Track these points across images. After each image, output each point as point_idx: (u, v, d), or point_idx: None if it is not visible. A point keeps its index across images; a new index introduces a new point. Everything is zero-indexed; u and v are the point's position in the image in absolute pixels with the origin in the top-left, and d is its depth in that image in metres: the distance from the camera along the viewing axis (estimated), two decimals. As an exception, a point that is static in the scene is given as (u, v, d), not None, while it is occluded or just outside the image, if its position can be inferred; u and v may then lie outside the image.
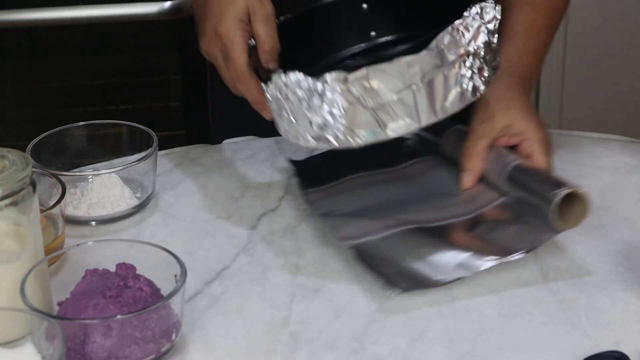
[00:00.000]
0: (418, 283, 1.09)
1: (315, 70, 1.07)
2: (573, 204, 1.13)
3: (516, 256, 1.11)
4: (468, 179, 1.23)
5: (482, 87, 1.12)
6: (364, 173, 1.27)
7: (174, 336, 1.01)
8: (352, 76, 1.06)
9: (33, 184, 1.03)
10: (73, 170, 1.29)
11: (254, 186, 1.30)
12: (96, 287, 1.01)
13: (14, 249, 1.03)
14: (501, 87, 1.25)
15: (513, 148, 1.23)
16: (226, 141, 1.42)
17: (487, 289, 1.10)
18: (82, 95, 2.45)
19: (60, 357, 0.92)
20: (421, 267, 1.11)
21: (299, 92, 1.08)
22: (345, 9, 1.26)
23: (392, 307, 1.08)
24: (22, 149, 1.11)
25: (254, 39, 1.17)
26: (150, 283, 1.03)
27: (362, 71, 1.05)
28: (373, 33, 1.27)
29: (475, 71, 1.11)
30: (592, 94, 2.56)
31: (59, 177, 1.19)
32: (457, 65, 1.09)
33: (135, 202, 1.25)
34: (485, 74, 1.12)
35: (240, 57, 1.15)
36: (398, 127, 1.09)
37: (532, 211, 1.16)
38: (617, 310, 1.07)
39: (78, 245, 1.10)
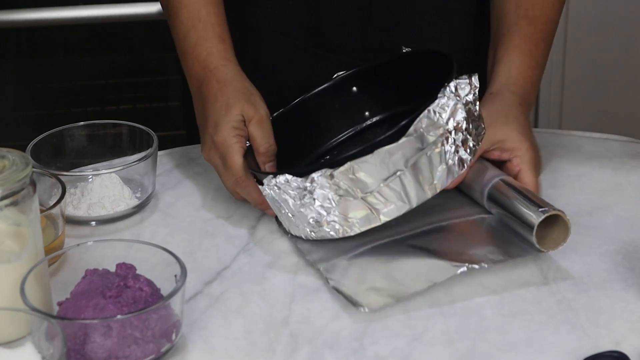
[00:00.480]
0: (390, 296, 1.08)
1: (304, 170, 1.11)
2: (554, 228, 1.14)
3: (484, 265, 1.10)
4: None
5: (468, 158, 1.14)
6: None
7: (174, 336, 1.01)
8: (337, 171, 1.09)
9: (33, 184, 1.03)
10: (73, 170, 1.29)
11: (254, 186, 1.30)
12: (96, 287, 1.01)
13: (14, 249, 1.03)
14: (501, 102, 1.26)
15: (502, 164, 1.24)
16: (226, 141, 1.42)
17: (487, 289, 1.10)
18: (82, 95, 2.46)
19: (60, 357, 0.92)
20: (392, 280, 1.10)
21: (291, 192, 1.12)
22: (336, 94, 1.30)
23: (392, 307, 1.08)
24: (22, 149, 1.11)
25: (250, 143, 1.21)
26: (150, 283, 1.03)
27: (346, 165, 1.09)
28: (367, 113, 1.30)
29: (460, 144, 1.13)
30: (592, 94, 2.56)
31: (59, 177, 1.19)
32: (439, 144, 1.11)
33: (135, 202, 1.25)
34: (470, 144, 1.14)
35: (236, 162, 1.20)
36: (390, 211, 1.12)
37: (509, 229, 1.16)
38: (617, 310, 1.07)
39: (78, 245, 1.10)
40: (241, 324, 1.06)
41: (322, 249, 1.15)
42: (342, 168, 1.09)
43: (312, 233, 1.14)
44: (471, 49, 1.46)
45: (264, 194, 1.15)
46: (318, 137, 1.30)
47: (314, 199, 1.11)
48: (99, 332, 0.97)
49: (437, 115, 1.11)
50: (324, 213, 1.12)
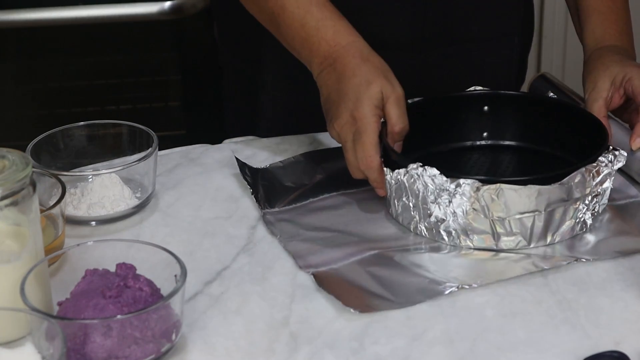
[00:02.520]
0: (379, 306, 1.08)
1: (452, 173, 1.14)
2: None
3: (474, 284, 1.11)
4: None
5: (589, 222, 1.19)
6: (327, 195, 1.27)
7: (174, 336, 1.01)
8: (485, 187, 1.12)
9: (33, 184, 1.03)
10: (73, 170, 1.29)
11: (254, 186, 1.30)
12: (96, 287, 1.01)
13: (14, 249, 1.03)
14: (594, 61, 1.33)
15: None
16: (226, 141, 1.42)
17: (487, 289, 1.10)
18: (82, 95, 2.45)
19: (60, 357, 0.92)
20: (381, 292, 1.10)
21: (431, 186, 1.14)
22: (467, 105, 1.33)
23: (392, 307, 1.08)
24: (22, 149, 1.11)
25: (386, 120, 1.21)
26: (150, 283, 1.03)
27: (495, 186, 1.12)
28: (485, 134, 1.34)
29: (591, 209, 1.18)
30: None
31: (59, 177, 1.19)
32: (578, 202, 1.16)
33: (135, 202, 1.25)
34: (595, 211, 1.19)
35: (371, 141, 1.19)
36: (509, 242, 1.15)
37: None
38: (617, 310, 1.07)
39: (78, 245, 1.10)
40: (241, 324, 1.06)
41: (311, 257, 1.15)
42: (491, 186, 1.12)
43: (425, 229, 1.16)
44: (518, 35, 1.49)
45: (393, 176, 1.17)
46: (435, 136, 1.32)
47: (450, 202, 1.14)
48: (99, 332, 0.97)
49: (591, 176, 1.15)
50: (450, 217, 1.15)
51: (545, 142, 1.30)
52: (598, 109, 1.27)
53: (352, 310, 1.06)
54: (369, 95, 1.21)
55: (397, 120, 1.21)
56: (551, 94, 1.43)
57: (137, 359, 0.99)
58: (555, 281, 1.12)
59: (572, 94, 1.40)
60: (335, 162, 1.30)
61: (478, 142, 1.33)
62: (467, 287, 1.10)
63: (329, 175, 1.29)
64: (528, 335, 1.04)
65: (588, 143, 1.22)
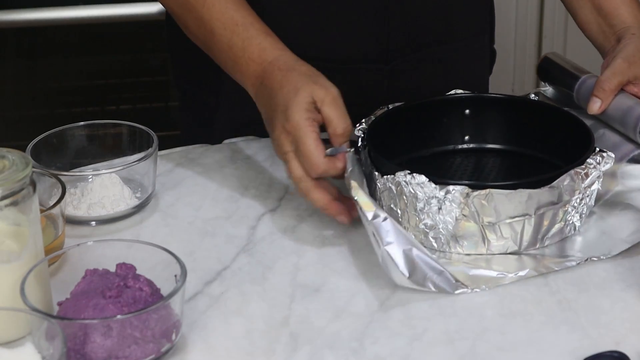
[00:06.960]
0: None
1: (440, 180, 1.13)
2: None
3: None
4: (597, 105, 1.31)
5: (578, 224, 1.18)
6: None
7: (174, 336, 1.02)
8: (475, 193, 1.11)
9: (33, 184, 1.03)
10: (73, 170, 1.29)
11: (254, 186, 1.30)
12: (96, 287, 1.01)
13: (14, 249, 1.03)
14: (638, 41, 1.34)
15: None
16: (226, 141, 1.42)
17: (487, 289, 1.10)
18: (82, 95, 2.46)
19: (60, 357, 0.92)
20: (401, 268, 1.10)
21: (420, 193, 1.13)
22: (449, 109, 1.32)
23: (392, 307, 1.08)
24: (22, 149, 1.11)
25: (326, 125, 1.17)
26: (150, 283, 1.03)
27: (485, 191, 1.11)
28: (467, 137, 1.33)
29: (578, 210, 1.17)
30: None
31: (59, 177, 1.19)
32: (567, 205, 1.15)
33: (135, 202, 1.25)
34: (584, 213, 1.18)
35: (311, 148, 1.14)
36: (499, 246, 1.15)
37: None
38: (617, 310, 1.07)
39: (78, 245, 1.10)
40: (241, 324, 1.06)
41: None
42: (481, 191, 1.11)
43: (412, 235, 1.14)
44: (488, 33, 1.48)
45: (381, 184, 1.16)
46: (417, 142, 1.30)
47: (439, 208, 1.13)
48: (99, 332, 0.97)
49: (580, 179, 1.15)
50: (440, 224, 1.13)
51: (527, 144, 1.30)
52: (615, 86, 1.31)
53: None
54: (297, 101, 1.16)
55: (339, 122, 1.16)
56: (545, 87, 1.44)
57: (137, 359, 0.99)
58: (555, 281, 1.12)
59: (577, 71, 1.40)
60: None
61: (460, 146, 1.32)
62: (477, 290, 1.10)
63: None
64: (528, 335, 1.04)
65: (571, 144, 1.22)
